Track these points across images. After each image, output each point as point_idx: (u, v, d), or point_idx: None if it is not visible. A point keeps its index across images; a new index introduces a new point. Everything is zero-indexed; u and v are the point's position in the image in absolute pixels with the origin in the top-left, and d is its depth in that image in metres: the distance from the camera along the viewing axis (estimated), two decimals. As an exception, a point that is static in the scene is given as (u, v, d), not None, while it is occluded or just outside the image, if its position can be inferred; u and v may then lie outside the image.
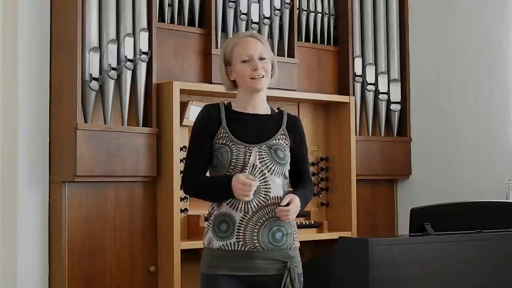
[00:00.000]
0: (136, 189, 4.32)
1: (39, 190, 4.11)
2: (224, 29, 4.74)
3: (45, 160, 4.15)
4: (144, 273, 4.30)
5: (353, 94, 5.31)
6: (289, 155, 2.90)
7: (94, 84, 4.10)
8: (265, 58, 2.88)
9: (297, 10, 5.14)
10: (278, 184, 2.84)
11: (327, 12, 5.36)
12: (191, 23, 4.67)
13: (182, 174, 2.93)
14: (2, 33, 4.10)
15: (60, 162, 4.11)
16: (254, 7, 4.84)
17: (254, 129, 2.88)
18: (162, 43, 4.49)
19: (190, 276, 4.19)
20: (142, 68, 4.31)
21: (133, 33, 4.30)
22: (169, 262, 4.23)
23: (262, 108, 2.94)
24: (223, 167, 2.83)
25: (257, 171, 2.81)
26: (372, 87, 5.42)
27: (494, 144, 5.13)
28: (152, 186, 4.36)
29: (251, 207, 2.80)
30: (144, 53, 4.30)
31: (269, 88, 2.99)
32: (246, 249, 2.80)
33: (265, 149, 2.84)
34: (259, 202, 2.81)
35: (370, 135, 5.42)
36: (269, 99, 3.02)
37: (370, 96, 5.40)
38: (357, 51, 5.39)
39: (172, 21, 4.58)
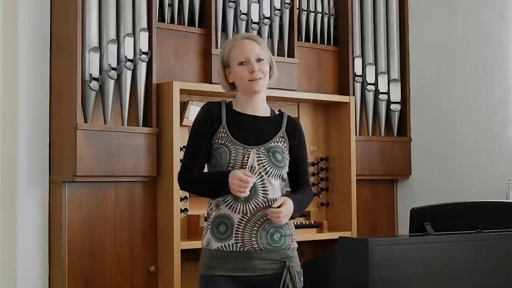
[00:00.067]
0: (136, 189, 4.32)
1: (39, 190, 4.12)
2: (224, 29, 4.74)
3: (45, 160, 4.15)
4: (144, 273, 4.30)
5: (353, 94, 5.31)
6: (288, 158, 2.90)
7: (94, 84, 4.10)
8: (262, 60, 2.88)
9: (297, 10, 5.14)
10: (276, 187, 2.84)
11: (327, 12, 5.36)
12: (191, 23, 4.67)
13: (179, 171, 2.93)
14: (2, 33, 4.11)
15: (60, 162, 4.11)
16: (254, 7, 4.84)
17: (253, 131, 2.87)
18: (162, 43, 4.49)
19: (190, 276, 4.19)
20: (142, 68, 4.31)
21: (133, 33, 4.30)
22: (169, 262, 4.23)
23: (262, 109, 2.94)
24: (221, 167, 2.83)
25: (255, 173, 2.81)
26: (372, 87, 5.42)
27: (494, 144, 5.13)
28: (152, 186, 4.36)
29: (249, 208, 2.80)
30: (144, 53, 4.30)
31: (269, 88, 2.99)
32: (244, 250, 2.80)
33: (263, 151, 2.84)
34: (257, 204, 2.81)
35: (370, 135, 5.42)
36: (269, 99, 3.02)
37: (370, 96, 5.41)
38: (357, 51, 5.39)
39: (172, 21, 4.58)
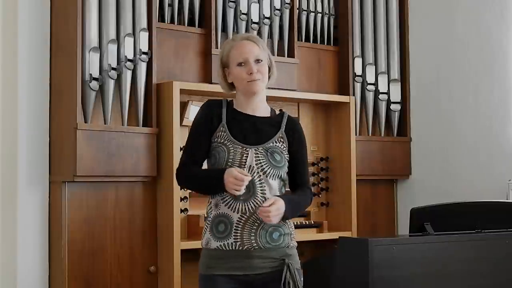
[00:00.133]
0: (136, 189, 4.32)
1: (39, 190, 4.11)
2: (224, 29, 4.74)
3: (45, 160, 4.15)
4: (144, 273, 4.30)
5: (353, 94, 5.31)
6: (287, 158, 2.90)
7: (94, 84, 4.10)
8: (261, 61, 2.88)
9: (297, 10, 5.14)
10: (274, 187, 2.85)
11: (327, 12, 5.36)
12: (191, 23, 4.67)
13: (177, 167, 2.94)
14: (2, 33, 4.10)
15: (60, 162, 4.11)
16: (254, 7, 4.84)
17: (252, 131, 2.88)
18: (162, 43, 4.49)
19: (190, 276, 4.19)
20: (142, 68, 4.31)
21: (133, 33, 4.30)
22: (169, 262, 4.23)
23: (262, 108, 2.94)
24: (220, 166, 2.84)
25: (253, 173, 2.81)
26: (372, 87, 5.42)
27: (494, 144, 5.13)
28: (152, 186, 4.36)
29: (248, 208, 2.81)
30: (144, 53, 4.30)
31: (269, 88, 2.99)
32: (243, 248, 2.81)
33: (262, 151, 2.85)
34: (256, 203, 2.81)
35: (370, 135, 5.42)
36: (269, 99, 3.02)
37: (370, 96, 5.41)
38: (357, 51, 5.39)
39: (172, 21, 4.58)
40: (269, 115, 2.96)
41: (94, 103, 4.12)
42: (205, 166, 2.93)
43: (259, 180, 2.82)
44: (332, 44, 5.38)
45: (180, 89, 4.33)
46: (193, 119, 2.96)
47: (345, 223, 5.05)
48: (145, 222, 4.33)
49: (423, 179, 5.50)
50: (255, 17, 4.84)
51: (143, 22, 4.34)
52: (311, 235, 4.84)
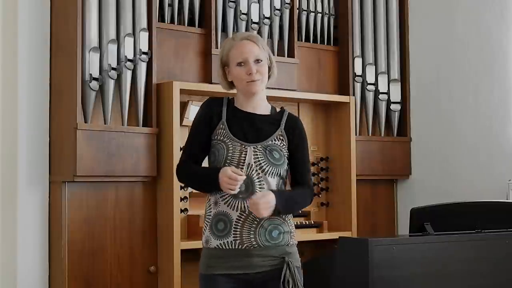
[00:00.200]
0: (136, 189, 4.32)
1: (39, 190, 4.11)
2: (224, 29, 4.74)
3: (45, 160, 4.15)
4: (144, 273, 4.30)
5: (353, 94, 5.31)
6: (287, 156, 2.90)
7: (94, 84, 4.10)
8: (261, 61, 2.88)
9: (297, 10, 5.14)
10: (273, 185, 2.85)
11: (327, 12, 5.36)
12: (191, 23, 4.67)
13: (177, 163, 2.97)
14: (2, 33, 4.10)
15: (60, 162, 4.11)
16: (254, 7, 4.84)
17: (252, 129, 2.88)
18: (162, 43, 4.49)
19: (190, 276, 4.19)
20: (142, 68, 4.31)
21: (133, 33, 4.30)
22: (169, 262, 4.23)
23: (262, 107, 2.95)
24: (219, 163, 2.85)
25: (252, 171, 2.82)
26: (372, 87, 5.42)
27: (494, 144, 5.13)
28: (152, 186, 4.36)
29: (247, 206, 2.81)
30: (144, 53, 4.30)
31: (269, 88, 3.00)
32: (243, 247, 2.81)
33: (261, 149, 2.85)
34: None
35: (370, 135, 5.42)
36: (269, 99, 3.02)
37: (370, 96, 5.40)
38: (357, 51, 5.39)
39: (172, 21, 4.58)
40: (269, 113, 2.96)
41: (94, 103, 4.12)
42: (205, 163, 2.94)
43: (257, 178, 2.82)
44: (332, 44, 5.38)
45: (180, 89, 4.33)
46: (194, 117, 2.98)
47: (345, 223, 5.05)
48: (145, 222, 4.32)
49: (423, 179, 5.50)
50: (255, 17, 4.84)
51: (143, 22, 4.34)
52: (311, 235, 4.84)
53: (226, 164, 2.83)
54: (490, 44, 5.20)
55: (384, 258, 3.47)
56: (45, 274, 4.12)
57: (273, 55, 3.09)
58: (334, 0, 5.40)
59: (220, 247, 2.83)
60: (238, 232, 2.82)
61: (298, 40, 5.12)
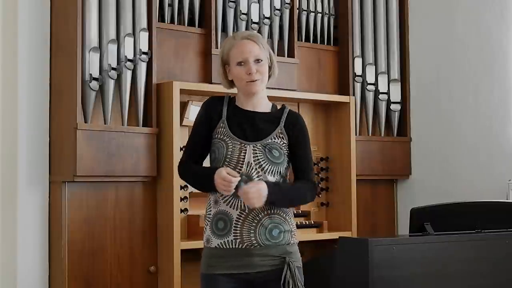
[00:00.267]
0: (136, 189, 4.32)
1: (39, 190, 4.11)
2: (224, 29, 4.74)
3: (45, 160, 4.15)
4: (144, 273, 4.30)
5: (353, 94, 5.31)
6: (287, 153, 2.89)
7: (94, 84, 4.10)
8: (261, 61, 2.88)
9: (297, 10, 5.14)
10: None
11: (327, 12, 5.36)
12: (191, 23, 4.67)
13: (179, 161, 3.00)
14: (2, 33, 4.10)
15: (60, 162, 4.11)
16: (254, 7, 4.84)
17: (252, 127, 2.89)
18: (162, 43, 4.49)
19: (190, 276, 4.19)
20: (142, 68, 4.31)
21: (133, 33, 4.30)
22: (169, 262, 4.23)
23: (263, 105, 2.95)
24: (219, 161, 2.86)
25: (252, 169, 2.82)
26: (372, 87, 5.42)
27: (494, 144, 5.13)
28: (152, 186, 4.36)
29: (247, 205, 2.81)
30: (144, 53, 4.30)
31: (269, 88, 3.00)
32: (243, 246, 2.81)
33: (260, 147, 2.85)
34: None
35: (370, 135, 5.42)
36: (269, 99, 3.02)
37: (370, 96, 5.40)
38: (357, 51, 5.39)
39: (172, 21, 4.58)
40: (269, 110, 2.95)
41: (94, 103, 4.12)
42: (207, 161, 2.97)
43: (257, 177, 2.83)
44: (332, 44, 5.38)
45: (180, 89, 4.33)
46: (192, 125, 3.01)
47: (345, 223, 5.05)
48: (145, 222, 4.32)
49: (423, 179, 5.50)
50: (255, 17, 4.84)
51: (143, 22, 4.34)
52: (311, 235, 4.84)
53: (226, 163, 2.83)
54: (490, 44, 5.20)
55: (384, 258, 3.47)
56: (45, 274, 4.12)
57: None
58: (334, 0, 5.40)
59: (221, 246, 2.83)
60: (238, 231, 2.82)
61: (298, 40, 5.12)
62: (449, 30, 5.42)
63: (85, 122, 4.08)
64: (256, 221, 2.82)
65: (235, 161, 2.84)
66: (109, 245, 4.19)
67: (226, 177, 2.75)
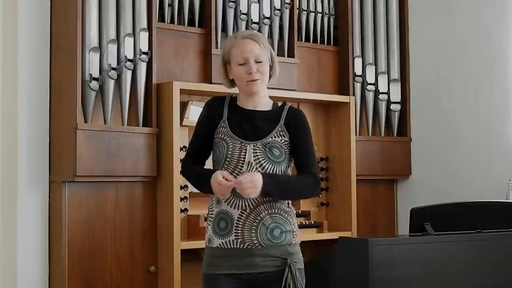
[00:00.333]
0: (136, 189, 4.32)
1: (39, 190, 4.11)
2: (224, 29, 4.74)
3: (45, 160, 4.15)
4: (144, 273, 4.30)
5: (353, 94, 5.31)
6: (288, 151, 2.89)
7: (94, 84, 4.10)
8: (261, 61, 2.89)
9: (297, 10, 5.14)
10: None
11: (327, 12, 5.36)
12: (191, 23, 4.67)
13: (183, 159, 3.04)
14: (2, 33, 4.10)
15: (60, 162, 4.11)
16: (254, 7, 4.84)
17: (252, 126, 2.89)
18: (162, 43, 4.49)
19: (190, 276, 4.19)
20: (142, 68, 4.31)
21: (133, 33, 4.30)
22: (169, 262, 4.23)
23: (263, 103, 2.95)
24: (220, 161, 2.87)
25: (252, 169, 2.82)
26: (372, 87, 5.42)
27: (494, 144, 5.13)
28: (152, 186, 4.36)
29: (248, 204, 2.82)
30: (144, 53, 4.30)
31: (269, 88, 3.00)
32: (244, 246, 2.81)
33: (260, 147, 2.85)
34: (255, 200, 2.83)
35: (370, 135, 5.42)
36: (270, 98, 3.02)
37: (370, 96, 5.41)
38: (357, 51, 5.39)
39: (172, 21, 4.58)
40: (270, 108, 2.95)
41: (94, 103, 4.12)
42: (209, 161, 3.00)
43: None
44: (332, 44, 5.38)
45: (180, 89, 4.33)
46: (192, 125, 3.03)
47: (345, 223, 5.05)
48: (145, 222, 4.32)
49: (423, 179, 5.50)
50: (255, 17, 4.84)
51: (143, 22, 4.34)
52: (311, 235, 4.84)
53: (226, 162, 2.84)
54: (490, 44, 5.20)
55: (384, 258, 3.47)
56: (45, 274, 4.12)
57: (273, 54, 3.07)
58: (334, 0, 5.40)
59: (222, 246, 2.84)
60: (239, 231, 2.82)
61: (298, 40, 5.12)
62: (449, 30, 5.41)
63: (85, 122, 4.08)
64: (257, 221, 2.82)
65: (236, 160, 2.84)
66: (109, 245, 4.19)
67: (221, 181, 2.76)
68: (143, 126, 4.30)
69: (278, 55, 4.92)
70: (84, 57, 4.10)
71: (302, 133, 2.93)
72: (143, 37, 4.32)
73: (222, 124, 2.90)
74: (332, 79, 5.35)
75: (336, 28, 5.42)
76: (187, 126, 4.40)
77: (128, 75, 4.25)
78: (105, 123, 4.17)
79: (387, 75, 5.50)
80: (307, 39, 5.24)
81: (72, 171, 4.01)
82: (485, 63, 5.22)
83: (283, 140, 2.89)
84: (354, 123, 5.12)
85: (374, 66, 5.45)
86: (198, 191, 3.02)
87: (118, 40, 4.23)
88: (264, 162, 2.84)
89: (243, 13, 4.79)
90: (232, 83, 2.96)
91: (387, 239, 3.67)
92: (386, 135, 5.51)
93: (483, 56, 5.23)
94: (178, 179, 4.26)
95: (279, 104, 2.99)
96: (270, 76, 2.95)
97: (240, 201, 2.83)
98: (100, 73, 4.14)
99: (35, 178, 4.11)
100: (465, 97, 5.30)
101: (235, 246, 2.82)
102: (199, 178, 2.91)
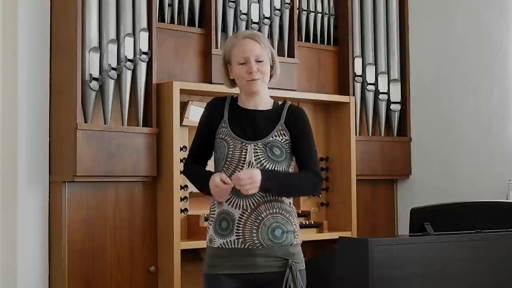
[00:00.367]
0: (136, 189, 4.32)
1: (39, 190, 4.11)
2: (224, 29, 4.74)
3: (45, 160, 4.15)
4: (144, 273, 4.30)
5: (353, 94, 5.31)
6: (289, 150, 2.88)
7: (94, 84, 4.10)
8: (262, 61, 2.89)
9: (297, 10, 5.14)
10: None
11: (327, 12, 5.36)
12: (191, 23, 4.67)
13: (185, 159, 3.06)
14: (2, 33, 4.10)
15: (60, 162, 4.11)
16: (254, 7, 4.84)
17: (253, 126, 2.89)
18: (162, 43, 4.49)
19: (190, 276, 4.19)
20: (142, 68, 4.31)
21: (133, 33, 4.30)
22: (169, 262, 4.23)
23: (264, 103, 2.95)
24: (221, 161, 2.88)
25: (252, 168, 2.82)
26: (372, 87, 5.42)
27: (494, 144, 5.13)
28: (152, 186, 4.36)
29: (249, 204, 2.82)
30: (144, 53, 4.30)
31: (269, 88, 3.00)
32: (246, 246, 2.81)
33: (261, 146, 2.85)
34: (256, 199, 2.83)
35: (370, 135, 5.42)
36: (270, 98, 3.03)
37: (370, 96, 5.40)
38: (357, 51, 5.39)
39: (172, 21, 4.58)
40: (271, 107, 2.95)
41: (94, 103, 4.12)
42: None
43: None
44: (332, 44, 5.38)
45: (180, 89, 4.33)
46: (192, 125, 3.04)
47: (345, 223, 5.05)
48: (145, 222, 4.32)
49: (423, 179, 5.50)
50: (255, 17, 4.84)
51: (143, 22, 4.34)
52: (311, 235, 4.84)
53: (227, 162, 2.84)
54: (490, 44, 5.20)
55: (384, 258, 3.47)
56: (45, 274, 4.12)
57: (273, 54, 3.07)
58: (334, 0, 5.40)
59: (223, 246, 2.84)
60: (240, 231, 2.82)
61: (298, 40, 5.12)
62: (449, 30, 5.41)
63: (85, 122, 4.08)
64: (258, 221, 2.82)
65: (236, 160, 2.84)
66: (109, 245, 4.19)
67: (218, 184, 2.77)
68: (143, 126, 4.30)
69: (278, 55, 4.85)
70: (84, 57, 4.10)
71: (303, 130, 2.92)
72: (143, 37, 4.32)
73: (223, 125, 2.90)
74: (332, 79, 5.35)
75: (336, 28, 5.42)
76: (187, 126, 4.40)
77: (128, 75, 4.25)
78: (105, 123, 4.17)
79: (387, 75, 5.50)
80: (307, 39, 5.24)
81: (72, 171, 4.01)
82: (485, 63, 5.22)
83: (284, 139, 2.88)
84: (354, 123, 5.12)
85: (374, 66, 5.45)
86: (199, 191, 3.03)
87: (118, 40, 4.23)
88: (265, 161, 2.84)
89: (243, 13, 4.79)
90: (233, 83, 2.96)
91: (387, 239, 3.67)
92: (386, 135, 5.52)
93: (483, 56, 5.23)
94: (178, 179, 4.26)
95: (280, 103, 2.99)
96: (271, 76, 2.96)
97: (241, 201, 2.83)
98: (100, 73, 4.14)
99: (35, 178, 4.11)
100: (465, 97, 5.30)
101: (236, 246, 2.82)
102: (199, 180, 2.91)
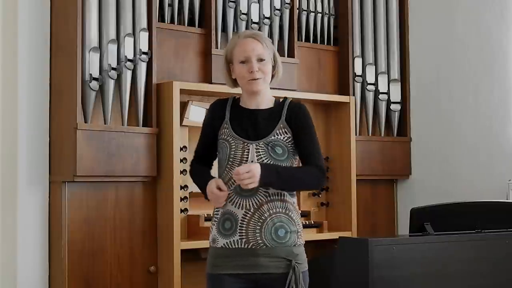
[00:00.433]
0: (136, 189, 4.32)
1: (39, 190, 4.11)
2: (224, 29, 4.74)
3: (45, 160, 4.15)
4: (144, 273, 4.30)
5: (353, 94, 5.31)
6: (291, 149, 2.88)
7: (94, 84, 4.10)
8: (263, 60, 2.89)
9: (297, 10, 5.14)
10: None
11: (327, 12, 5.36)
12: (191, 23, 4.67)
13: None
14: (2, 33, 4.10)
15: (60, 162, 4.11)
16: (254, 7, 4.84)
17: (254, 126, 2.89)
18: (162, 43, 4.49)
19: (190, 276, 4.19)
20: (142, 68, 4.31)
21: (133, 33, 4.30)
22: (169, 262, 4.23)
23: (265, 101, 2.95)
24: (223, 161, 2.89)
25: None
26: (372, 87, 5.42)
27: (494, 144, 5.13)
28: (152, 186, 4.36)
29: (252, 204, 2.82)
30: (144, 53, 4.30)
31: (270, 88, 3.00)
32: (249, 246, 2.81)
33: (263, 146, 2.85)
34: (259, 199, 2.82)
35: (370, 135, 5.42)
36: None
37: (370, 96, 5.40)
38: (357, 51, 5.39)
39: (172, 21, 4.58)
40: (272, 106, 2.95)
41: (94, 103, 4.12)
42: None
43: None
44: (332, 44, 5.38)
45: (180, 89, 4.33)
46: (192, 125, 3.05)
47: (345, 223, 5.05)
48: (145, 222, 4.32)
49: (423, 179, 5.50)
50: (255, 17, 4.84)
51: (143, 22, 4.34)
52: (311, 235, 4.84)
53: (230, 162, 2.85)
54: (490, 44, 5.20)
55: (384, 258, 3.47)
56: (45, 274, 4.12)
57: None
58: (334, 0, 5.40)
59: (226, 246, 2.84)
60: (244, 231, 2.82)
61: (298, 40, 5.12)
62: (449, 30, 5.41)
63: (85, 122, 4.08)
64: (261, 221, 2.82)
65: (239, 160, 2.84)
66: (109, 245, 4.19)
67: (213, 190, 2.81)
68: (143, 126, 4.30)
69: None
70: (84, 57, 4.10)
71: (305, 125, 2.91)
72: (143, 37, 4.32)
73: (225, 125, 2.91)
74: (332, 79, 5.35)
75: (336, 28, 5.42)
76: (187, 126, 4.40)
77: (128, 75, 4.25)
78: (105, 123, 4.17)
79: (387, 75, 5.50)
80: (307, 39, 5.24)
81: (72, 171, 4.01)
82: (485, 63, 5.22)
83: (285, 137, 2.88)
84: (354, 123, 5.12)
85: (374, 66, 5.45)
86: (199, 191, 3.03)
87: (118, 40, 4.23)
88: (267, 161, 2.83)
89: (243, 13, 4.79)
90: (235, 83, 2.96)
91: (387, 239, 3.67)
92: (386, 135, 5.52)
93: (483, 56, 5.23)
94: (178, 179, 4.26)
95: (281, 100, 2.98)
96: (273, 76, 2.96)
97: (244, 201, 2.83)
98: (100, 73, 4.14)
99: (35, 178, 4.11)
100: (465, 97, 5.30)
101: (239, 246, 2.82)
102: (201, 183, 2.94)
